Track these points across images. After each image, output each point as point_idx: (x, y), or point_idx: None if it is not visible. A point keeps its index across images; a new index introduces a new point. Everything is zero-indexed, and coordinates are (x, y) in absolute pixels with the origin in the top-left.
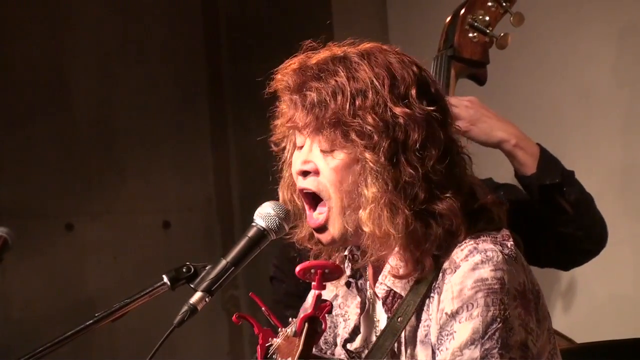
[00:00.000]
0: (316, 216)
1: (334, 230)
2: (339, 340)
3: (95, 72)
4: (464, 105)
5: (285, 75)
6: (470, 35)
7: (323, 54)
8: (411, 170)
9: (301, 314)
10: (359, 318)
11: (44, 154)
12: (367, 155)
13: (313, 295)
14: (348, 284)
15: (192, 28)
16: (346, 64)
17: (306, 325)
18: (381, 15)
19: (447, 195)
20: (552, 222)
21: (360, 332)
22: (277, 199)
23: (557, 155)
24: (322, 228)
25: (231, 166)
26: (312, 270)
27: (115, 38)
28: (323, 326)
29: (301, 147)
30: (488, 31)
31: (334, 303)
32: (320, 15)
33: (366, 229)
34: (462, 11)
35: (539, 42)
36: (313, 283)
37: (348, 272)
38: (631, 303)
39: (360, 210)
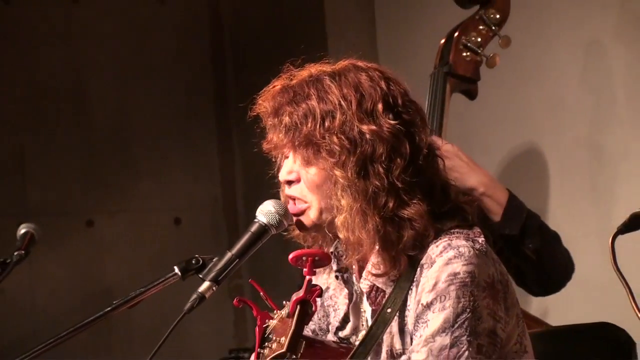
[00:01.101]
0: (298, 204)
1: (312, 215)
2: (331, 328)
3: (112, 83)
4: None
5: (264, 100)
6: (464, 54)
7: (301, 75)
8: (377, 182)
9: (294, 298)
10: (348, 308)
11: (66, 157)
12: (337, 172)
13: (305, 281)
14: (337, 277)
15: (200, 44)
16: (318, 86)
17: (298, 307)
18: (370, 31)
19: (415, 200)
20: (516, 266)
21: (349, 321)
22: (277, 198)
23: (531, 155)
24: (301, 213)
25: (235, 168)
26: (304, 258)
27: (130, 53)
28: (313, 308)
29: (288, 156)
30: (479, 51)
31: (326, 295)
32: (314, 33)
33: (341, 235)
34: (457, 33)
35: (516, 56)
36: (304, 269)
37: (335, 267)
38: (598, 290)
39: (336, 219)
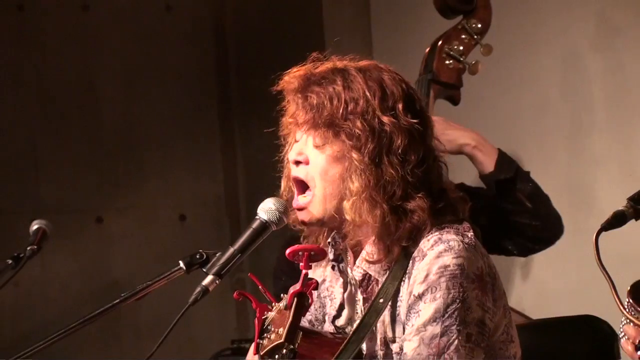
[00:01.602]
0: (301, 199)
1: (314, 211)
2: (327, 318)
3: (120, 86)
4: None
5: (292, 78)
6: (447, 62)
7: (327, 65)
8: (392, 171)
9: (291, 291)
10: (343, 296)
11: (77, 156)
12: (354, 154)
13: (302, 275)
14: (333, 267)
15: (204, 49)
16: (344, 75)
17: (295, 299)
18: (366, 38)
19: (420, 195)
20: (511, 213)
21: (345, 311)
22: (277, 196)
23: (516, 156)
24: (302, 209)
25: (237, 168)
26: (300, 253)
27: (138, 57)
28: (310, 300)
29: (298, 141)
30: (462, 59)
31: (322, 286)
32: (312, 39)
33: (348, 217)
34: (440, 42)
35: (499, 64)
36: (301, 264)
37: (331, 256)
38: (575, 286)
39: (345, 201)
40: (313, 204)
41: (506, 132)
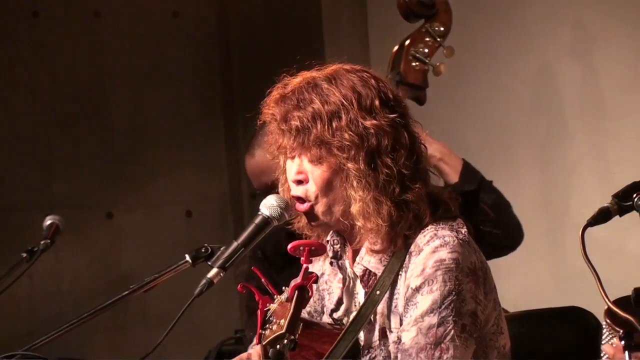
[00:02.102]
0: (304, 207)
1: (320, 216)
2: (326, 310)
3: (130, 89)
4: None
5: (270, 107)
6: (413, 64)
7: (296, 81)
8: (387, 170)
9: (292, 284)
10: (342, 291)
11: (88, 155)
12: (350, 165)
13: (302, 269)
14: (331, 263)
15: (210, 53)
16: (318, 91)
17: (296, 292)
18: (364, 43)
19: (417, 185)
20: (475, 222)
21: (343, 303)
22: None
23: (489, 163)
24: (310, 213)
25: (241, 166)
26: (301, 248)
27: (147, 61)
28: (310, 293)
29: (293, 157)
30: (427, 61)
31: (321, 280)
32: (312, 45)
33: (359, 223)
34: (406, 44)
35: (476, 70)
36: (302, 258)
37: (330, 254)
38: (547, 282)
39: (352, 207)
40: (317, 211)
41: (479, 139)
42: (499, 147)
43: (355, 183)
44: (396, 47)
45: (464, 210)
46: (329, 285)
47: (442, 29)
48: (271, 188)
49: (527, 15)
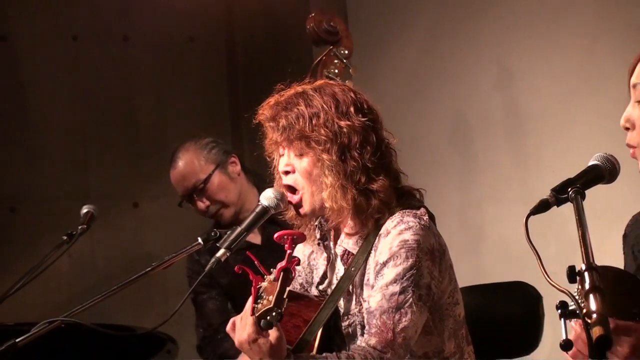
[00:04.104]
0: (295, 198)
1: (306, 206)
2: (314, 282)
3: (154, 99)
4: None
5: (263, 110)
6: None
7: (289, 91)
8: (354, 163)
9: (278, 266)
10: (326, 267)
11: (119, 153)
12: (324, 156)
13: (287, 254)
14: (318, 244)
15: (219, 70)
16: (304, 96)
17: (282, 273)
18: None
19: (380, 177)
20: None
21: (327, 277)
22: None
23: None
24: (298, 205)
25: (245, 163)
26: (285, 237)
27: (167, 77)
28: (293, 274)
29: (282, 155)
30: (337, 79)
31: (312, 256)
32: (303, 62)
33: (327, 205)
34: (319, 67)
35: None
36: (286, 245)
37: (318, 235)
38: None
39: (323, 192)
40: (304, 201)
41: (460, 138)
42: (477, 136)
43: (327, 171)
44: (309, 73)
45: None
46: (317, 262)
47: (346, 52)
48: (193, 192)
49: (455, 50)
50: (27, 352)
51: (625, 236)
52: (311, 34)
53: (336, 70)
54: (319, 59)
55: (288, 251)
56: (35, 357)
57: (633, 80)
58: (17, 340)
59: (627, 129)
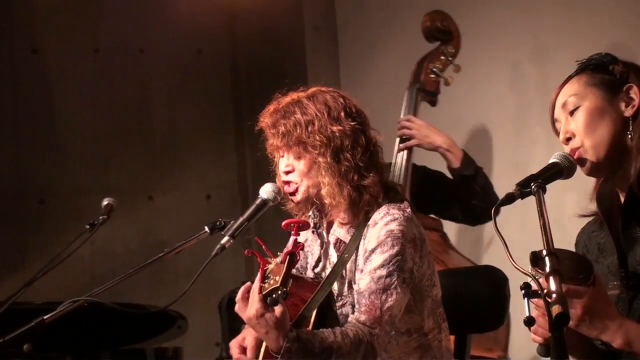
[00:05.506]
0: (290, 189)
1: (299, 195)
2: (309, 266)
3: (166, 106)
4: (416, 128)
5: (264, 117)
6: (431, 76)
7: (286, 99)
8: (347, 163)
9: (285, 250)
10: (320, 253)
11: (136, 152)
12: (320, 159)
13: (292, 239)
14: (313, 232)
15: (224, 79)
16: (300, 105)
17: (288, 257)
18: (336, 71)
19: (371, 174)
20: (468, 197)
21: (321, 261)
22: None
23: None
24: (292, 194)
25: (247, 163)
26: (292, 224)
27: (178, 86)
28: (298, 257)
29: (282, 156)
30: (440, 74)
31: (307, 244)
32: (299, 72)
33: (326, 201)
34: (426, 61)
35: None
36: (292, 232)
37: (312, 224)
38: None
39: (322, 190)
40: (299, 191)
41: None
42: (476, 144)
43: (323, 172)
44: (417, 63)
45: (460, 188)
46: (312, 248)
47: (453, 50)
48: None
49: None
50: (54, 328)
51: (576, 244)
52: (424, 29)
53: (440, 66)
54: (427, 53)
55: (293, 237)
56: (61, 331)
57: (556, 115)
58: (45, 317)
59: (569, 139)
